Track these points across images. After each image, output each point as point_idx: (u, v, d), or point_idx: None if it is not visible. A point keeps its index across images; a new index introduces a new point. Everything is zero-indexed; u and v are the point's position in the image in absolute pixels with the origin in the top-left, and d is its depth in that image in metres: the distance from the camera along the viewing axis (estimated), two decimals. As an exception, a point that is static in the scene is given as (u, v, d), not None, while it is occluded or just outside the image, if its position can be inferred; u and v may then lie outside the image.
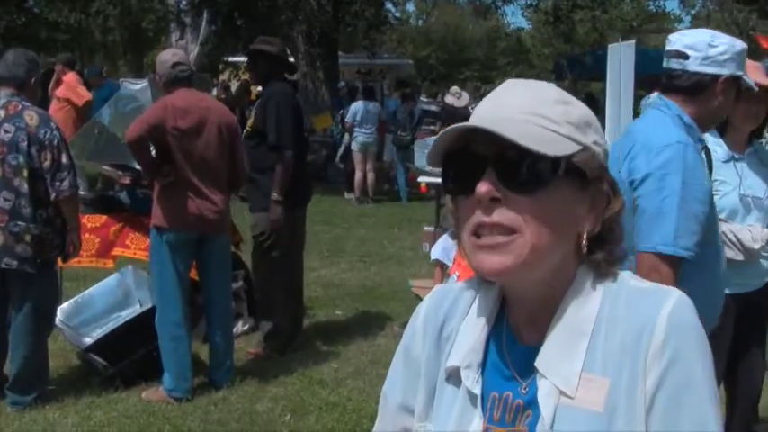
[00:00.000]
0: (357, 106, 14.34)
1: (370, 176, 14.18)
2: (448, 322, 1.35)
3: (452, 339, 1.33)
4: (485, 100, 1.27)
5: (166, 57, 5.26)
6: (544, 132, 1.17)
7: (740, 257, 3.45)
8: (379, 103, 14.62)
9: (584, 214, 1.21)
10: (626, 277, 1.26)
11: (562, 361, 1.20)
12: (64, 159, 4.80)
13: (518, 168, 1.15)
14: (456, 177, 1.22)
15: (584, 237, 1.22)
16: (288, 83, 6.21)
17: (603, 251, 1.24)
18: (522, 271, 1.17)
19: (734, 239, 3.44)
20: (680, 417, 1.15)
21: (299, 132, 5.93)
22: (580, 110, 1.24)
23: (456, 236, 1.28)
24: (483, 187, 1.15)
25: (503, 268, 1.17)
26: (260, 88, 7.44)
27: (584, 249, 1.22)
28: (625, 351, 1.17)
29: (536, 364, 1.22)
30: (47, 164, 4.75)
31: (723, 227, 3.41)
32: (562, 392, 1.18)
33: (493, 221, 1.16)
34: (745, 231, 3.45)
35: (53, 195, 4.77)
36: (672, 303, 1.18)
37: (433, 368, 1.35)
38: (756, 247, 3.44)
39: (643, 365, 1.15)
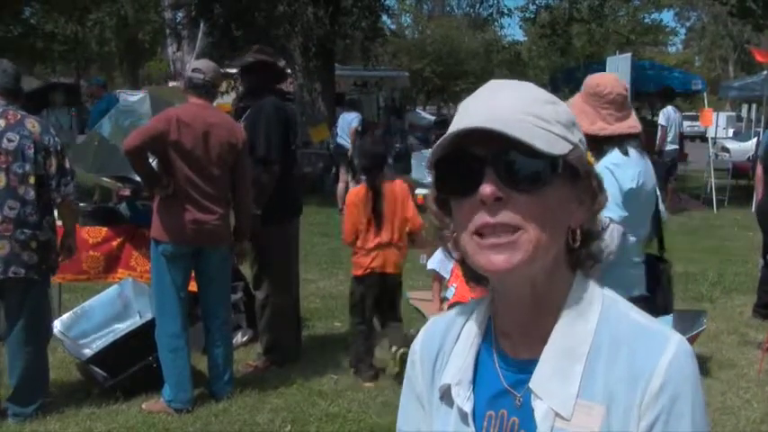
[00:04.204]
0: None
1: (344, 186, 14.18)
2: (441, 353, 1.37)
3: (444, 365, 1.35)
4: (471, 100, 1.26)
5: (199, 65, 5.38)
6: (542, 132, 1.19)
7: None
8: (359, 114, 14.79)
9: (575, 210, 1.24)
10: (623, 305, 1.28)
11: (557, 382, 1.21)
12: (67, 164, 4.89)
13: (520, 168, 1.17)
14: (453, 179, 1.21)
15: (578, 231, 1.25)
16: (278, 94, 6.07)
17: (585, 247, 1.27)
18: (527, 266, 1.19)
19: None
20: None
21: (286, 147, 5.88)
22: (566, 110, 1.26)
23: (445, 238, 1.28)
24: (487, 188, 1.16)
25: (510, 265, 1.18)
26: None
27: (578, 243, 1.25)
28: (623, 385, 1.19)
29: (531, 384, 1.23)
30: (52, 169, 4.80)
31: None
32: (558, 414, 1.20)
33: (497, 221, 1.17)
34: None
35: (59, 199, 4.83)
36: (673, 350, 1.19)
37: (430, 400, 1.37)
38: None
39: (639, 403, 1.17)
